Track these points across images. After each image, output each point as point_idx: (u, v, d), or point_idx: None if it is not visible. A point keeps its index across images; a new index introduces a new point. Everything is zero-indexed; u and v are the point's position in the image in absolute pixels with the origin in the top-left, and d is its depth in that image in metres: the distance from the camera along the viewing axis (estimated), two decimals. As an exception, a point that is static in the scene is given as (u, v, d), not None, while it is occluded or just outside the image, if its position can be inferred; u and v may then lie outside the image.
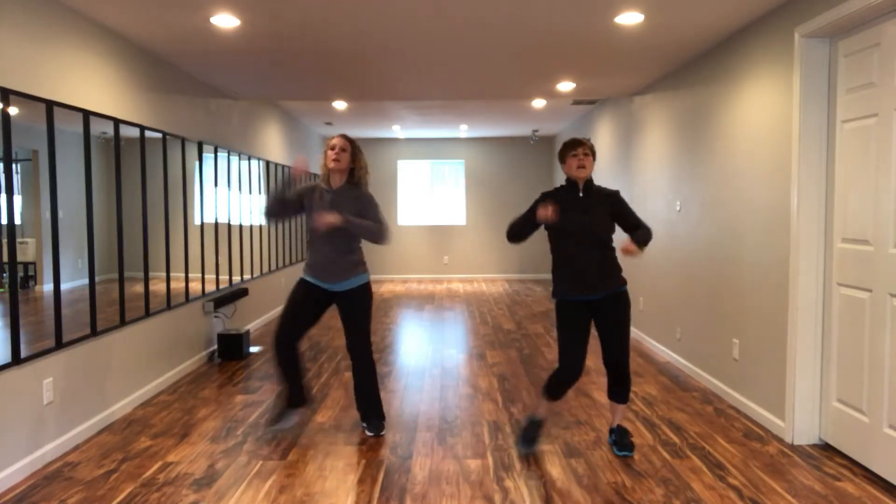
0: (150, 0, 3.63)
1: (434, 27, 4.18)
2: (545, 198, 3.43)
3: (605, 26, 4.16)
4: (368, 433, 3.81)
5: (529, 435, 3.57)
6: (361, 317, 3.75)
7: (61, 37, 3.65)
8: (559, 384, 3.44)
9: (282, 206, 3.72)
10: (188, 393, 4.70)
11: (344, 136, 3.69)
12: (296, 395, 3.84)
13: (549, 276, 11.85)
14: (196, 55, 4.85)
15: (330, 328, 6.92)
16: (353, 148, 3.69)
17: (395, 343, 6.48)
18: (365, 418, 3.85)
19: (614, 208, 3.46)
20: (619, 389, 3.52)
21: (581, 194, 3.42)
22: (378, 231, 3.66)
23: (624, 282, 3.43)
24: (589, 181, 3.44)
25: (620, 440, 3.53)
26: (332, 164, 3.65)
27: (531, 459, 3.45)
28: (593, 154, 3.44)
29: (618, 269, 3.43)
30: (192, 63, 5.10)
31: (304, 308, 3.75)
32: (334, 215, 3.54)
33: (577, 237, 3.36)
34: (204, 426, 3.99)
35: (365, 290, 3.76)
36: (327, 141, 3.71)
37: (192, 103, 5.52)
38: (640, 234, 3.40)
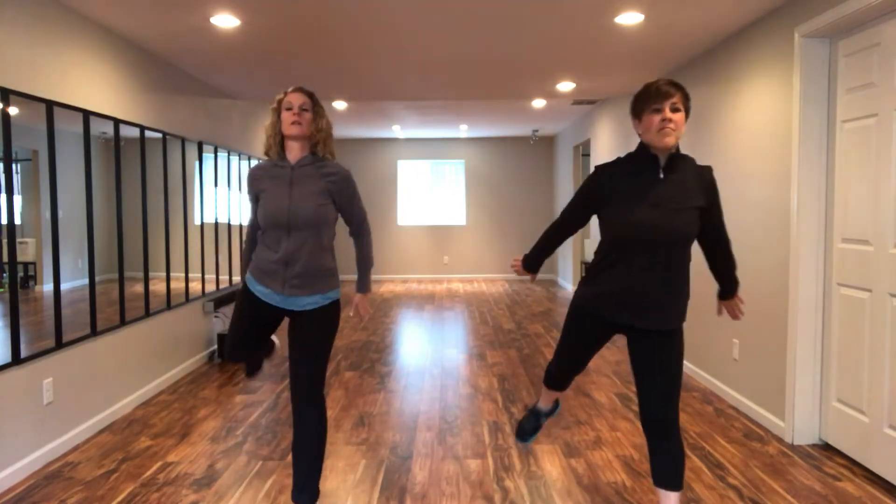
0: (150, 0, 3.63)
1: (434, 27, 4.18)
2: (599, 173, 2.35)
3: (605, 26, 4.16)
4: None
5: (528, 426, 2.98)
6: (320, 343, 2.69)
7: (61, 37, 3.65)
8: (559, 379, 2.74)
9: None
10: (188, 393, 4.70)
11: (302, 90, 2.63)
12: (255, 363, 3.09)
13: (549, 276, 11.84)
14: (196, 55, 4.84)
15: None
16: (314, 105, 2.64)
17: (395, 343, 6.48)
18: (296, 488, 2.74)
19: (708, 201, 2.31)
20: (666, 462, 2.31)
21: (661, 174, 2.25)
22: (370, 251, 2.85)
23: (684, 317, 2.43)
24: (675, 154, 2.27)
25: None
26: (291, 130, 2.57)
27: (531, 459, 3.45)
28: (687, 110, 2.21)
29: (686, 296, 2.40)
30: (192, 63, 5.10)
31: (256, 324, 2.77)
32: (363, 304, 2.86)
33: (641, 241, 2.26)
34: (204, 426, 3.99)
35: (333, 311, 2.72)
36: (279, 98, 2.62)
37: (192, 103, 5.52)
38: (731, 272, 2.52)
